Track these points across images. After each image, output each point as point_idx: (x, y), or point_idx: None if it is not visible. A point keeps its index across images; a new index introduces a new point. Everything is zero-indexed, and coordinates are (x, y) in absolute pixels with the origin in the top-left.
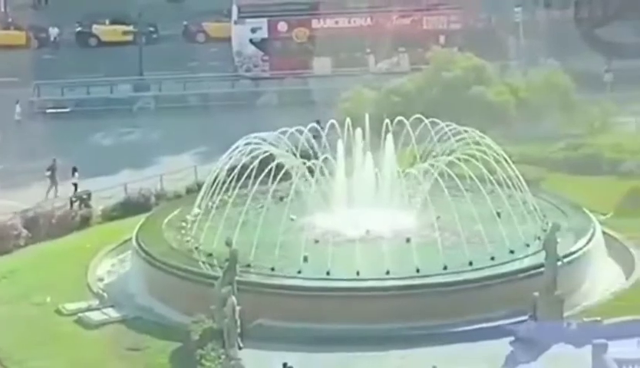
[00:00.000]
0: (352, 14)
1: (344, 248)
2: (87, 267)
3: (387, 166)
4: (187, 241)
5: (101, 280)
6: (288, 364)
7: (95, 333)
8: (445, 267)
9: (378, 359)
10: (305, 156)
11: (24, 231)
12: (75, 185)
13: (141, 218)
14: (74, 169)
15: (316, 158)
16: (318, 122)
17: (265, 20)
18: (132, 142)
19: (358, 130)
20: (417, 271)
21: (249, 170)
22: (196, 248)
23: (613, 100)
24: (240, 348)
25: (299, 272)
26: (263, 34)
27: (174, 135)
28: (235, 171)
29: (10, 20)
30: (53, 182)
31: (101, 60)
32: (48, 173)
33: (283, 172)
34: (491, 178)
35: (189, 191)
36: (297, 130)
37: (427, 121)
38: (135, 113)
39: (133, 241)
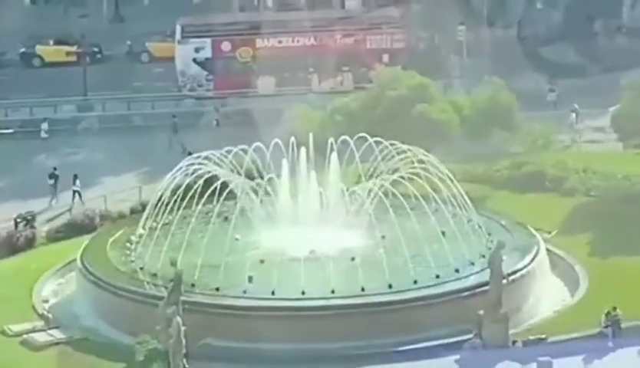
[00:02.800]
0: (295, 33)
1: (289, 268)
2: (31, 288)
3: (331, 185)
4: (132, 262)
5: (46, 301)
6: None
7: (41, 354)
8: (390, 286)
9: None
10: (250, 175)
11: None
12: (76, 192)
13: (86, 239)
14: (75, 177)
15: (261, 177)
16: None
17: (208, 40)
18: (76, 162)
19: (303, 149)
20: (362, 289)
21: (193, 190)
22: (141, 268)
23: (556, 119)
24: None
25: (244, 292)
26: (207, 53)
27: (118, 155)
28: (180, 191)
29: None
30: (55, 191)
31: (45, 81)
32: (51, 182)
33: (227, 191)
34: (435, 196)
35: (133, 211)
36: (241, 150)
37: (371, 140)
38: (79, 134)
39: (78, 262)
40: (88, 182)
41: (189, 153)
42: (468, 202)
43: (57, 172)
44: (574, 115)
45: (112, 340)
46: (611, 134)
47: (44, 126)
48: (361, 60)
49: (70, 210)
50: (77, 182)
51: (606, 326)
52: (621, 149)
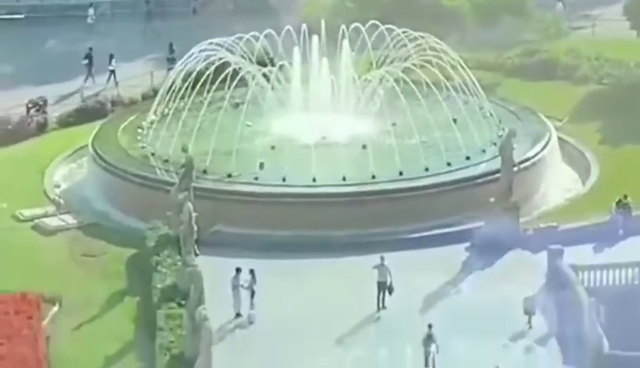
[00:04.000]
0: None
1: (300, 154)
2: (43, 173)
3: (343, 73)
4: (143, 148)
5: (58, 186)
6: (246, 269)
7: (51, 239)
8: (401, 173)
9: (333, 266)
10: (261, 62)
11: None
12: (112, 71)
13: (97, 125)
14: (111, 56)
15: (272, 64)
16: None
17: None
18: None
19: (315, 37)
20: (373, 177)
21: (204, 77)
22: (152, 154)
23: (570, 6)
24: (196, 254)
25: (255, 178)
26: None
27: (130, 41)
28: (191, 77)
29: None
30: (90, 71)
31: None
32: (85, 62)
33: (239, 78)
34: (447, 84)
35: (144, 97)
36: (253, 36)
37: (382, 27)
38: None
39: (90, 148)
40: (100, 68)
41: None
42: (480, 89)
43: (92, 53)
44: (560, 4)
45: (123, 225)
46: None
47: (91, 11)
48: None
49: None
50: (113, 61)
51: (617, 215)
52: (635, 37)
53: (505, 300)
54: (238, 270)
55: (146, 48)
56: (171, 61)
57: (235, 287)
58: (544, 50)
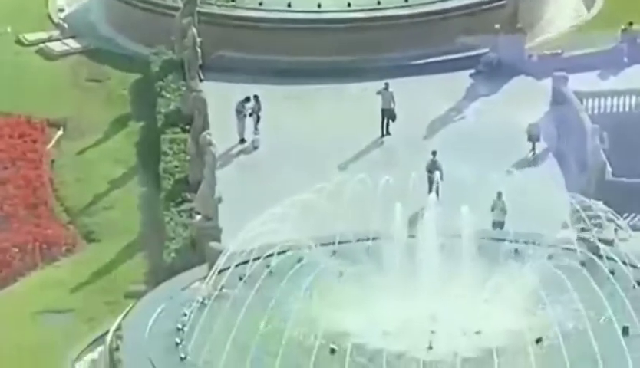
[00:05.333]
0: None
1: None
2: None
3: None
4: None
5: (62, 10)
6: (250, 94)
7: (56, 63)
8: (406, 0)
9: (339, 91)
10: None
11: None
12: None
13: None
14: None
15: None
16: None
17: None
18: None
19: None
20: (379, 2)
21: None
22: None
23: None
24: (201, 79)
25: (260, 3)
26: None
27: None
28: None
29: None
30: None
31: None
32: None
33: None
34: None
35: None
36: None
37: None
38: None
39: None
40: None
41: None
42: None
43: None
44: None
45: (128, 50)
46: None
47: None
48: None
49: None
50: None
51: (622, 42)
52: None
53: (509, 127)
54: (247, 98)
55: None
56: None
57: (240, 112)
58: None
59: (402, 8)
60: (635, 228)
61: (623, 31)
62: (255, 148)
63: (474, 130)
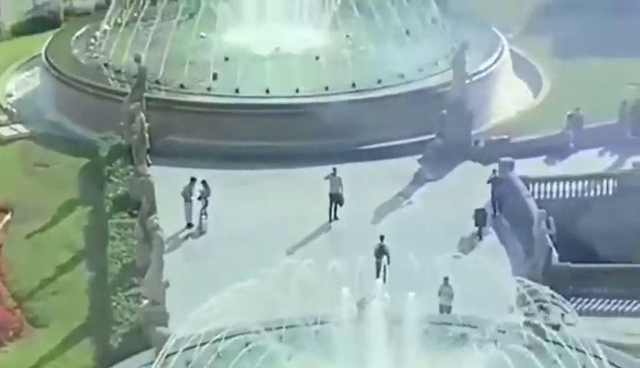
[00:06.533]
0: None
1: (253, 65)
2: None
3: None
4: (96, 58)
5: (10, 95)
6: (198, 179)
7: (4, 148)
8: (354, 85)
9: (287, 176)
10: None
11: None
12: None
13: (50, 35)
14: None
15: None
16: None
17: None
18: None
19: None
20: (326, 88)
21: None
22: (105, 64)
23: None
24: (149, 164)
25: (208, 89)
26: None
27: None
28: None
29: None
30: None
31: None
32: None
33: None
34: None
35: (98, 7)
36: None
37: None
38: None
39: (42, 57)
40: None
41: None
42: (432, 1)
43: None
44: None
45: (76, 135)
46: None
47: None
48: None
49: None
50: None
51: (568, 127)
52: None
53: (456, 212)
54: (192, 179)
55: None
56: None
57: (187, 196)
58: None
59: (349, 93)
60: (581, 313)
61: (569, 116)
62: (203, 232)
63: (422, 215)
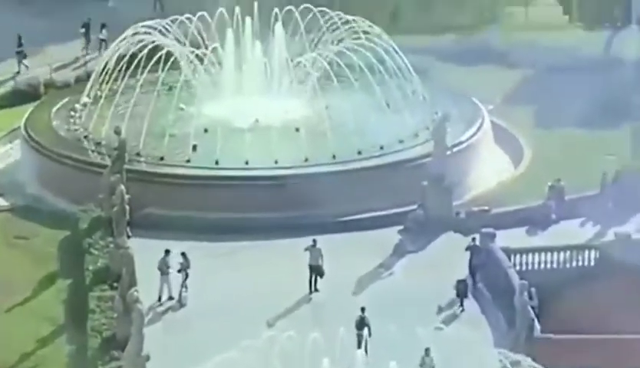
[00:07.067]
0: None
1: (233, 138)
2: None
3: (276, 55)
4: (76, 130)
5: None
6: (178, 251)
7: None
8: (334, 157)
9: (265, 248)
10: (194, 45)
11: None
12: (103, 40)
13: (30, 107)
14: (103, 26)
15: (205, 47)
16: None
17: None
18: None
19: (248, 19)
20: (306, 160)
21: (138, 59)
22: (85, 137)
23: None
24: (129, 237)
25: (188, 161)
26: None
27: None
28: (125, 60)
29: None
30: (87, 39)
31: None
32: (82, 30)
33: (172, 61)
34: (380, 67)
35: (78, 80)
36: (186, 18)
37: (315, 10)
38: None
39: (22, 130)
40: (32, 50)
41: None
42: (413, 73)
43: (89, 21)
44: None
45: (56, 207)
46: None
47: None
48: None
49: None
50: (104, 31)
51: (549, 198)
52: (567, 22)
53: (437, 283)
54: (167, 252)
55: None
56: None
57: (164, 269)
58: (478, 35)
59: (329, 165)
60: None
61: (550, 187)
62: (183, 305)
63: (403, 287)
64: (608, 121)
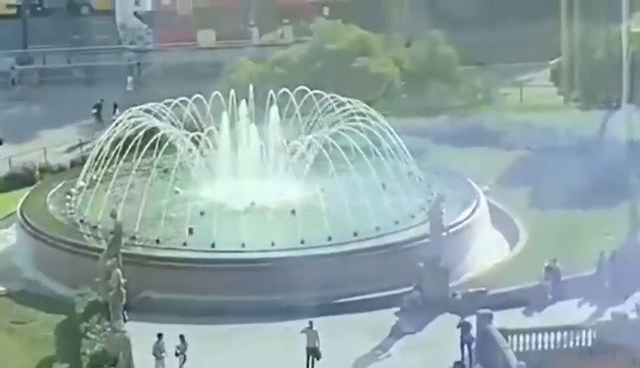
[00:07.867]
0: None
1: (229, 220)
2: None
3: (271, 138)
4: (72, 214)
5: None
6: (175, 334)
7: None
8: (330, 238)
9: (262, 331)
10: (190, 128)
11: None
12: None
13: (25, 192)
14: (115, 106)
15: (201, 130)
16: None
17: None
18: (14, 115)
19: (243, 102)
20: (302, 242)
21: (133, 142)
22: (81, 220)
23: (497, 72)
24: (125, 320)
25: (184, 244)
26: (147, 6)
27: (58, 108)
28: (120, 143)
29: None
30: (99, 120)
31: None
32: (94, 111)
33: (167, 144)
34: (376, 149)
35: (73, 164)
36: (181, 102)
37: (311, 92)
38: (18, 86)
39: (18, 215)
40: (27, 135)
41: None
42: (408, 154)
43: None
44: None
45: (52, 292)
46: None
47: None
48: (301, 13)
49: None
50: (117, 111)
51: (546, 279)
52: (562, 102)
53: (434, 364)
54: (159, 336)
55: (76, 114)
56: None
57: (158, 354)
58: (472, 116)
59: (325, 247)
60: None
61: (547, 268)
62: None
63: None
64: (604, 201)
